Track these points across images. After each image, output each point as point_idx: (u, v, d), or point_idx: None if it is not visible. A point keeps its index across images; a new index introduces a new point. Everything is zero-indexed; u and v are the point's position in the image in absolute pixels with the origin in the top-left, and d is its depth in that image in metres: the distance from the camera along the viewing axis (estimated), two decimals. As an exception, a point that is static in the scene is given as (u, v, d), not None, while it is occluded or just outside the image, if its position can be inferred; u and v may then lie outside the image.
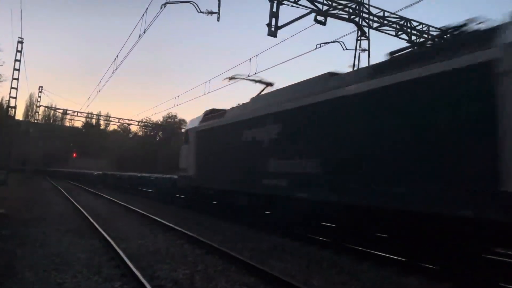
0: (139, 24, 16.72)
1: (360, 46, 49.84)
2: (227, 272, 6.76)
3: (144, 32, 16.67)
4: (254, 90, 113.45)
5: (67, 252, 7.58)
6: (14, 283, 5.45)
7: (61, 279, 5.80)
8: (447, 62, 6.35)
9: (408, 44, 17.63)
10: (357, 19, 17.60)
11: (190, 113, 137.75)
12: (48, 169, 66.51)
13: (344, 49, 22.02)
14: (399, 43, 36.30)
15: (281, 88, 11.69)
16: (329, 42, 21.41)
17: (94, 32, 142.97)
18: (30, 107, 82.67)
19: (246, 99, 13.86)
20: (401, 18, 18.32)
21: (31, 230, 9.84)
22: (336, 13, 16.97)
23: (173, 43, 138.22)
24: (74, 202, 17.43)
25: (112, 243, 8.06)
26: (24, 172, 48.35)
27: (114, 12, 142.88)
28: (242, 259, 7.29)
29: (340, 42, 21.43)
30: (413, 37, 18.44)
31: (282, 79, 65.58)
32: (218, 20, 15.97)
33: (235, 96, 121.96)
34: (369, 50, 49.02)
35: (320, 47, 19.81)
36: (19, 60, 32.22)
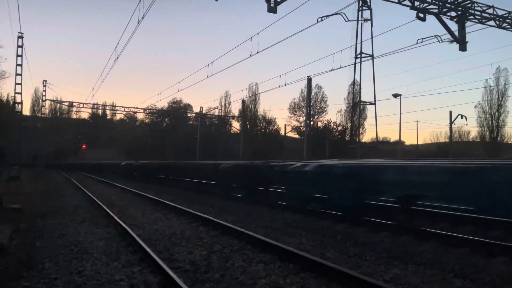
0: (137, 10, 16.56)
1: (362, 17, 48.82)
2: (243, 251, 6.84)
3: (143, 17, 16.52)
4: (256, 72, 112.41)
5: (85, 241, 7.72)
6: (36, 274, 5.57)
7: (81, 267, 5.91)
8: None
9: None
10: (357, -12, 17.21)
11: (195, 97, 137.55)
12: (59, 162, 67.27)
13: (346, 21, 21.66)
14: (402, 10, 35.45)
15: None
16: (330, 15, 21.07)
17: (94, 22, 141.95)
18: (36, 102, 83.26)
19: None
20: (403, -17, 17.86)
21: (48, 222, 10.01)
22: (336, -16, 16.58)
23: (172, 28, 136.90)
24: (88, 193, 17.65)
25: (128, 229, 8.17)
26: (36, 167, 48.93)
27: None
28: (257, 237, 7.37)
29: (342, 13, 21.08)
30: (416, 3, 18.01)
31: (285, 56, 64.82)
32: (216, 0, 15.75)
33: (238, 77, 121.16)
34: (371, 19, 47.94)
35: (322, 20, 19.54)
36: (21, 55, 32.25)
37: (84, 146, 78.09)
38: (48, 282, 5.23)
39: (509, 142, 55.74)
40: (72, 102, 49.02)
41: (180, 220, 10.26)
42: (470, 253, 6.29)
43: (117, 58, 24.02)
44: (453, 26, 18.90)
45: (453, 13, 18.76)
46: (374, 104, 49.07)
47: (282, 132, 66.34)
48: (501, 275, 5.25)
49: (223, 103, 73.15)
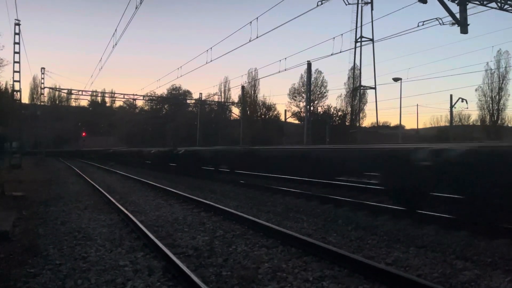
0: (135, -6, 16.35)
1: (362, 0, 48.17)
2: (246, 235, 6.89)
3: (141, 3, 16.32)
4: (256, 57, 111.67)
5: (88, 227, 7.76)
6: (40, 260, 5.61)
7: (85, 253, 5.96)
8: None
9: None
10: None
11: (194, 83, 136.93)
12: (60, 150, 67.33)
13: (346, 4, 21.39)
14: (403, -6, 34.89)
15: None
16: (330, -2, 20.77)
17: (91, 8, 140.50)
18: (35, 90, 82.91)
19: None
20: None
21: (51, 209, 10.06)
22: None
23: (171, 13, 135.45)
24: (89, 180, 17.71)
25: (131, 216, 8.21)
26: (37, 155, 48.99)
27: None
28: (259, 222, 7.41)
29: (342, -4, 20.74)
30: (418, -15, 17.71)
31: (284, 41, 64.29)
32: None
33: (237, 62, 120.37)
34: (371, 2, 47.40)
35: (322, 4, 19.32)
36: (18, 43, 31.93)
37: (84, 133, 78.03)
38: (53, 268, 5.28)
39: (510, 125, 55.65)
40: (71, 90, 48.68)
41: (182, 206, 10.31)
42: (471, 235, 6.32)
43: (115, 44, 23.81)
44: (455, 8, 18.66)
45: (454, -5, 18.49)
46: (375, 88, 48.82)
47: (282, 117, 66.17)
48: (502, 256, 5.29)
49: (222, 89, 72.72)
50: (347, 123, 56.27)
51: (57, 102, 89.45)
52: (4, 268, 5.29)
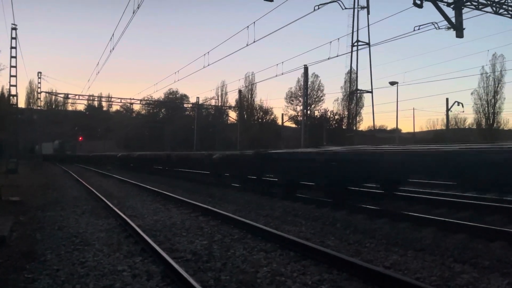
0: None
1: (358, 4, 48.35)
2: (244, 239, 6.89)
3: (138, 7, 16.37)
4: (253, 61, 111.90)
5: (86, 232, 7.74)
6: (38, 266, 5.59)
7: (83, 258, 5.93)
8: None
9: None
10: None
11: (191, 87, 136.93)
12: (57, 154, 67.08)
13: (343, 9, 21.58)
14: (399, -2, 35.11)
15: None
16: (327, 3, 20.99)
17: (89, 12, 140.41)
18: (31, 94, 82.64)
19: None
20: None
21: (48, 214, 10.02)
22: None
23: (168, 17, 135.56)
24: (86, 185, 17.65)
25: (129, 220, 8.19)
26: (33, 159, 48.80)
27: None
28: (257, 226, 7.41)
29: (339, 1, 20.99)
30: (414, -11, 17.83)
31: (281, 45, 64.42)
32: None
33: (234, 66, 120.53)
34: (368, 7, 47.48)
35: (319, 8, 19.46)
36: (15, 47, 31.86)
37: (81, 138, 77.76)
38: (51, 273, 5.25)
39: (505, 129, 55.96)
40: (68, 94, 48.58)
41: (180, 210, 10.30)
42: (469, 238, 6.34)
43: (113, 49, 23.81)
44: (450, 13, 18.79)
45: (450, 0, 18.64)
46: (371, 92, 48.91)
47: (279, 121, 66.25)
48: (500, 259, 5.31)
49: (219, 93, 72.75)
50: (344, 127, 56.38)
51: (53, 106, 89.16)
52: (1, 274, 5.27)
